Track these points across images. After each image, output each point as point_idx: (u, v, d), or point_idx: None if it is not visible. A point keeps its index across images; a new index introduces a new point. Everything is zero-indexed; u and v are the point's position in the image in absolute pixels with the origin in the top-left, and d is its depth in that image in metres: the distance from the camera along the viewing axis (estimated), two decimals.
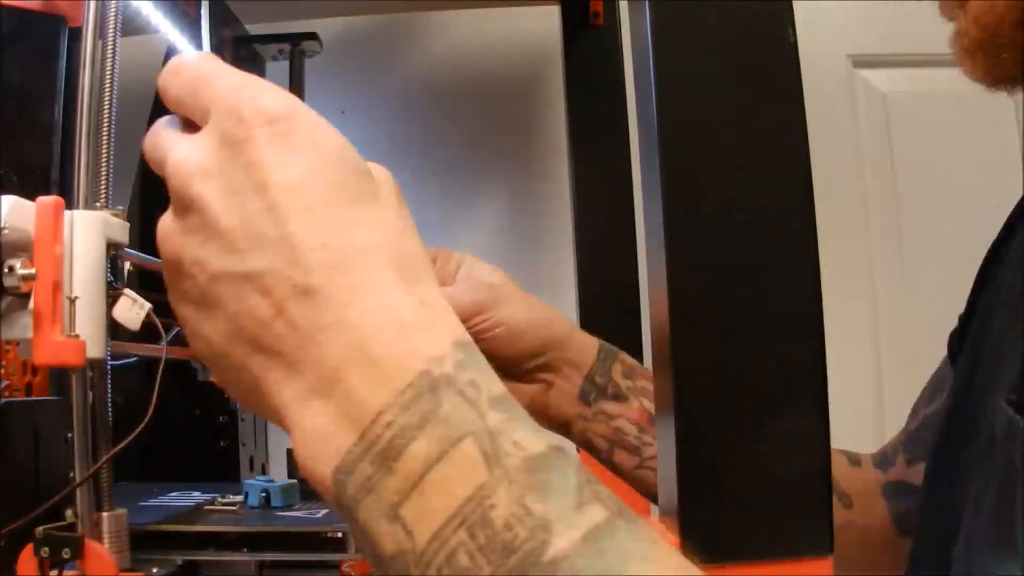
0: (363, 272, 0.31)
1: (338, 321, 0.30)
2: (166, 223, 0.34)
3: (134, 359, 0.77)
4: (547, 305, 0.67)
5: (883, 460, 0.72)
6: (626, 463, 0.67)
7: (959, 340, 0.60)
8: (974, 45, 0.44)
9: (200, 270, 0.32)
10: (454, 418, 0.28)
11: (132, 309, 0.50)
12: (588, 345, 0.68)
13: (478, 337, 0.63)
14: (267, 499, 0.73)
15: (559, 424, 0.68)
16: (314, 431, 0.29)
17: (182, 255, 0.33)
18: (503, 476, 0.27)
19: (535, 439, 0.28)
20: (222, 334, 0.32)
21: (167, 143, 0.34)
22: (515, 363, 0.66)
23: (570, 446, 0.70)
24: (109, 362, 0.53)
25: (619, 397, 0.68)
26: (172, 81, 0.35)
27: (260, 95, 0.32)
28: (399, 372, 0.29)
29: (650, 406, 0.68)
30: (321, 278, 0.30)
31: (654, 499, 0.63)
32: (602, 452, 0.68)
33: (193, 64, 0.35)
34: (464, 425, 0.28)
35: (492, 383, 0.30)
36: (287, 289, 0.30)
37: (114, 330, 0.51)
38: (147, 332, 0.54)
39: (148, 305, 0.51)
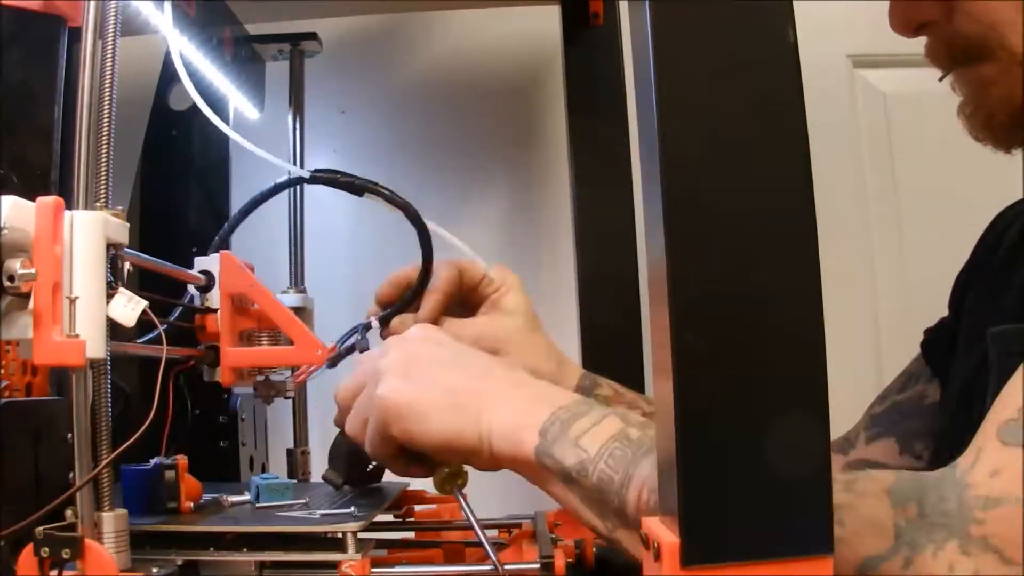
0: (514, 378, 0.59)
1: (519, 382, 0.59)
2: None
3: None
4: (552, 348, 0.81)
5: (844, 444, 0.80)
6: None
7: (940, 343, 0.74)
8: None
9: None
10: (600, 408, 0.54)
11: (127, 306, 0.50)
12: (572, 372, 0.82)
13: None
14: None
15: None
16: (521, 416, 0.54)
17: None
18: (631, 422, 0.52)
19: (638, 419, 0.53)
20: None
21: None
22: None
23: None
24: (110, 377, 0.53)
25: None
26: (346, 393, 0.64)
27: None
28: (560, 396, 0.56)
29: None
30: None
31: None
32: None
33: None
34: (607, 410, 0.53)
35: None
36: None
37: (114, 330, 0.51)
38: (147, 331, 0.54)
39: (143, 303, 0.51)
